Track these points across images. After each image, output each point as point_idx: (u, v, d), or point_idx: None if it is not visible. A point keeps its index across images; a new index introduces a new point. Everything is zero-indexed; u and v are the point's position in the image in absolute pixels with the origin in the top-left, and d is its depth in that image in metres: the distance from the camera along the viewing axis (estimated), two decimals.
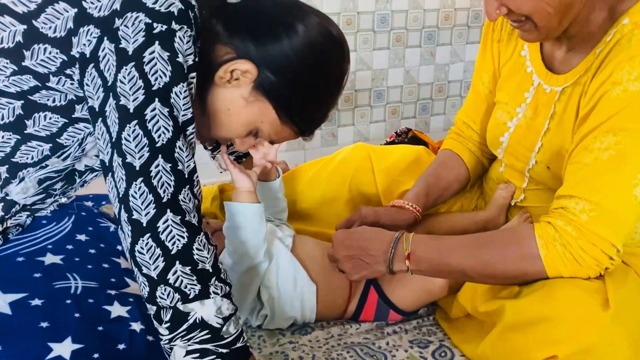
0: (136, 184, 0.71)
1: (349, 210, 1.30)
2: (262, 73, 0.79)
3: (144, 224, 0.71)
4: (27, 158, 0.78)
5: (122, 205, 0.72)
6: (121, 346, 0.78)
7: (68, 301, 0.80)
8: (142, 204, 0.71)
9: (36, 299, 0.78)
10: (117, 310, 0.83)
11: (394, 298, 1.14)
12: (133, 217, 0.71)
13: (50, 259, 0.86)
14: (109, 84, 0.70)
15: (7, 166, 0.77)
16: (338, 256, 1.02)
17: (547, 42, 1.06)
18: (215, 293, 0.75)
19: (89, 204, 1.09)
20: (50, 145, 0.78)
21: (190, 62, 0.73)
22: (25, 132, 0.76)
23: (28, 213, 0.87)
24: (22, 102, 0.74)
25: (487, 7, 0.94)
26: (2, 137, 0.75)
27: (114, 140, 0.71)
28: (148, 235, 0.71)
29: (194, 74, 0.74)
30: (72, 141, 0.80)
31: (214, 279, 0.75)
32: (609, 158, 0.88)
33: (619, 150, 0.87)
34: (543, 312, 0.86)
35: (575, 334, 0.83)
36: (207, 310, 0.74)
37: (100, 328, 0.79)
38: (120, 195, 0.72)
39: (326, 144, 2.15)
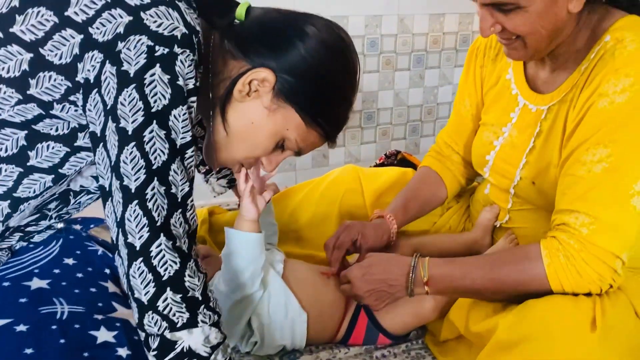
0: (132, 207, 0.71)
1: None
2: (280, 78, 0.79)
3: (137, 248, 0.71)
4: (30, 192, 0.78)
5: (120, 229, 0.72)
6: None
7: (54, 327, 0.79)
8: (136, 227, 0.71)
9: (21, 324, 0.77)
10: (104, 335, 0.82)
11: (384, 322, 1.13)
12: (128, 240, 0.71)
13: (36, 283, 0.85)
14: (109, 107, 0.70)
15: (9, 201, 0.77)
16: (360, 293, 1.04)
17: (531, 63, 1.09)
18: (203, 322, 0.74)
19: (78, 227, 1.09)
20: (53, 176, 0.78)
21: (191, 85, 0.73)
22: (27, 164, 0.76)
23: (21, 234, 0.87)
24: (26, 132, 0.74)
25: (482, 24, 0.96)
26: (5, 170, 0.75)
27: (112, 163, 0.71)
28: (141, 259, 0.71)
29: (194, 98, 0.75)
30: (74, 170, 0.80)
31: (202, 306, 0.75)
32: (603, 171, 0.89)
33: (611, 162, 0.89)
34: (531, 330, 0.87)
35: (561, 355, 0.84)
36: (194, 339, 0.74)
37: (85, 354, 0.78)
38: (118, 219, 0.72)
39: (317, 165, 2.16)
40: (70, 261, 0.92)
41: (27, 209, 0.80)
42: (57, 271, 0.89)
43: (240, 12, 0.82)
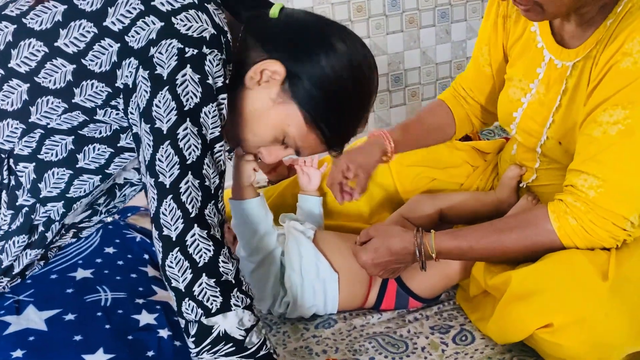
0: (166, 202, 0.75)
1: (367, 202, 1.33)
2: (291, 77, 0.81)
3: (174, 239, 0.76)
4: (81, 192, 0.83)
5: (154, 224, 0.77)
6: (150, 353, 0.83)
7: (99, 313, 0.86)
8: (171, 219, 0.76)
9: (69, 313, 0.84)
10: (145, 318, 0.88)
11: (412, 286, 1.16)
12: (163, 233, 0.76)
13: (81, 273, 0.91)
14: (142, 109, 0.75)
15: (63, 201, 0.83)
16: (375, 273, 1.09)
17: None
18: (236, 305, 0.79)
19: (116, 217, 1.15)
20: (100, 176, 0.84)
21: (220, 83, 0.77)
22: (77, 166, 0.81)
23: (74, 231, 0.93)
24: (73, 137, 0.80)
25: None
26: (57, 173, 0.81)
27: (148, 162, 0.76)
28: (177, 249, 0.76)
29: (224, 95, 0.78)
30: (119, 170, 0.85)
31: (235, 289, 0.80)
32: (618, 132, 0.88)
33: (628, 125, 0.87)
34: (544, 282, 0.89)
35: (571, 304, 0.86)
36: (229, 322, 0.79)
37: (129, 337, 0.84)
38: (152, 214, 0.77)
39: None
40: (110, 250, 0.98)
41: (80, 207, 0.87)
42: (99, 260, 0.95)
43: (273, 11, 0.84)
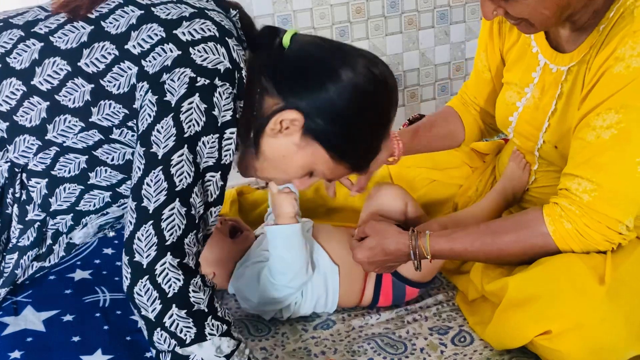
0: (145, 227, 0.74)
1: (364, 201, 1.33)
2: (309, 119, 0.81)
3: (144, 266, 0.74)
4: (90, 205, 0.83)
5: (125, 248, 0.75)
6: (149, 354, 0.83)
7: (97, 314, 0.86)
8: (145, 246, 0.74)
9: (68, 314, 0.84)
10: None
11: (406, 273, 1.16)
12: (134, 259, 0.74)
13: (79, 274, 0.92)
14: (140, 132, 0.75)
15: (72, 214, 0.83)
16: (371, 270, 1.09)
17: None
18: (211, 334, 0.77)
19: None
20: (110, 193, 0.83)
21: (228, 117, 0.76)
22: (88, 182, 0.81)
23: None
24: (87, 157, 0.80)
25: (483, 8, 0.94)
26: (69, 188, 0.81)
27: (134, 185, 0.75)
28: (146, 277, 0.74)
29: (233, 129, 0.77)
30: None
31: (210, 318, 0.77)
32: (611, 137, 0.88)
33: (621, 129, 0.87)
34: (541, 288, 0.89)
35: (569, 310, 0.86)
36: (206, 351, 0.77)
37: (128, 338, 0.84)
38: (126, 238, 0.75)
39: None
40: (109, 251, 0.98)
41: (92, 228, 0.86)
42: (97, 261, 0.95)
43: (286, 39, 0.83)
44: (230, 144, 0.78)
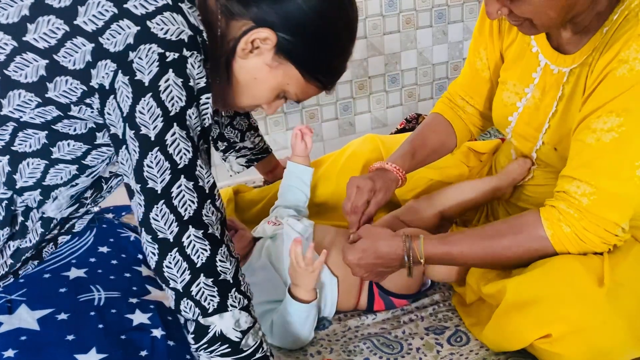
0: (157, 207, 0.75)
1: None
2: (280, 37, 0.81)
3: (171, 240, 0.76)
4: (57, 179, 0.83)
5: (144, 228, 0.77)
6: (143, 353, 0.83)
7: (92, 313, 0.85)
8: (164, 224, 0.76)
9: (62, 313, 0.83)
10: (139, 317, 0.87)
11: (389, 286, 1.16)
12: (159, 237, 0.76)
13: (74, 273, 0.91)
14: (125, 114, 0.74)
15: (39, 189, 0.83)
16: (359, 274, 1.07)
17: None
18: (232, 306, 0.79)
19: (110, 215, 1.14)
20: (77, 166, 0.83)
21: (202, 84, 0.76)
22: (52, 157, 0.81)
23: (67, 225, 0.92)
24: (47, 132, 0.79)
25: (487, 7, 0.93)
26: (32, 164, 0.81)
27: (134, 168, 0.75)
28: (175, 249, 0.77)
29: (208, 95, 0.78)
30: (98, 162, 0.85)
31: (233, 289, 0.80)
32: (612, 141, 0.87)
33: (622, 133, 0.87)
34: (540, 291, 0.89)
35: (569, 313, 0.86)
36: (225, 323, 0.79)
37: (123, 337, 0.84)
38: (140, 219, 0.77)
39: (344, 134, 2.17)
40: (104, 249, 0.98)
41: (63, 199, 0.86)
42: (93, 260, 0.95)
43: None
44: (207, 107, 0.78)
